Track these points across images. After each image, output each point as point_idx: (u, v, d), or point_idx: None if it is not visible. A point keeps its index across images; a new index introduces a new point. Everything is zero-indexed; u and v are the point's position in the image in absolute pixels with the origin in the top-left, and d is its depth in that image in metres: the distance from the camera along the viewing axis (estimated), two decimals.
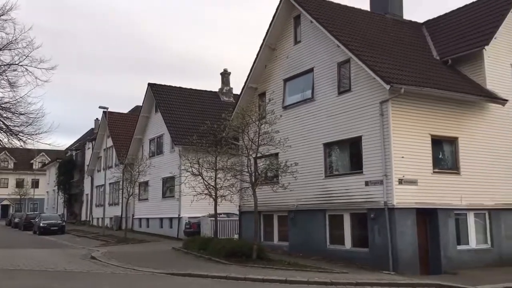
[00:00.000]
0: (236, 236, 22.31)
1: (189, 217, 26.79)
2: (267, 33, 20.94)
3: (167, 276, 13.33)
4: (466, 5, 21.29)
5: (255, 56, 21.60)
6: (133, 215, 34.74)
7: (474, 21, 19.61)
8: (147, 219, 32.90)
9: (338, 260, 16.21)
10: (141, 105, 33.67)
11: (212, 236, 20.55)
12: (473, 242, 16.67)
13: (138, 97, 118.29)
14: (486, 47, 17.62)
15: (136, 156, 33.01)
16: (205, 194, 19.05)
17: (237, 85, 36.90)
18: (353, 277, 13.10)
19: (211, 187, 18.96)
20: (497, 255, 16.78)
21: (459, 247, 16.18)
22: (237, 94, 27.65)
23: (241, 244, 17.08)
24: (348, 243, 16.72)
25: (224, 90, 34.87)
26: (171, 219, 29.52)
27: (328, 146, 18.07)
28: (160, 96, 31.93)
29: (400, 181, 15.20)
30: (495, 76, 17.96)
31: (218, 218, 20.86)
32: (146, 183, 32.40)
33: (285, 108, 20.18)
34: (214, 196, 19.00)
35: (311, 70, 19.05)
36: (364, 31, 19.21)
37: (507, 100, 17.55)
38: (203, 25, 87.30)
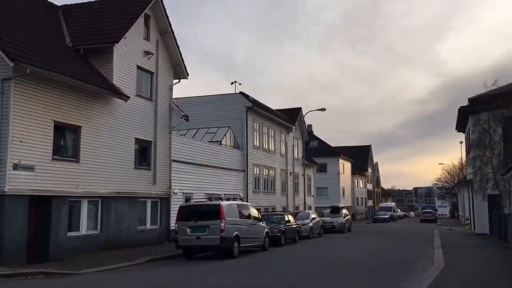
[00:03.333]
0: None
1: None
2: None
3: None
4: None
5: None
6: None
7: (111, 17, 20.50)
8: None
9: None
10: None
11: None
12: (84, 228, 17.32)
13: None
14: (116, 44, 18.73)
15: None
16: None
17: None
18: None
19: None
20: (105, 240, 18.01)
21: (70, 234, 16.50)
22: None
23: None
24: None
25: None
26: None
27: None
28: None
29: (16, 166, 14.34)
30: (122, 73, 19.31)
31: None
32: None
33: None
34: None
35: None
36: None
37: (129, 97, 19.13)
38: None
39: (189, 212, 17.22)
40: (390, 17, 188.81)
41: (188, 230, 16.57)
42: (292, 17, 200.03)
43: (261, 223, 19.77)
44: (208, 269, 13.96)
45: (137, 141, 20.27)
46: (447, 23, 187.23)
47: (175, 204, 21.37)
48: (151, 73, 21.38)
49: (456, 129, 35.29)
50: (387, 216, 61.16)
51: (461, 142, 43.70)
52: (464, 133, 34.92)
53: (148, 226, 20.95)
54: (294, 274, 12.73)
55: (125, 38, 19.21)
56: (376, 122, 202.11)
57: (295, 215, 27.52)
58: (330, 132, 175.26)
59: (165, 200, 21.98)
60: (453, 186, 67.94)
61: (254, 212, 19.55)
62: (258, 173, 32.24)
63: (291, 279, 11.72)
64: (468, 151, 31.34)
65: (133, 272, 13.39)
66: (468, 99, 27.68)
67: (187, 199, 22.96)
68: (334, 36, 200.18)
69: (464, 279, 11.32)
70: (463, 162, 49.64)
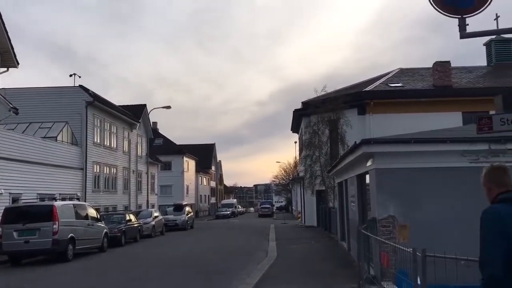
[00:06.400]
0: None
1: None
2: None
3: None
4: None
5: None
6: None
7: None
8: None
9: None
10: None
11: None
12: None
13: None
14: None
15: None
16: None
17: None
18: None
19: None
20: None
21: None
22: None
23: None
24: None
25: None
26: None
27: None
28: None
29: None
30: None
31: None
32: None
33: None
34: None
35: None
36: None
37: None
38: None
39: (17, 214, 15.76)
40: (237, 21, 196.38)
41: (14, 233, 15.11)
42: (139, 11, 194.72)
43: (99, 224, 18.94)
44: (33, 276, 12.86)
45: None
46: (286, 32, 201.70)
47: (0, 206, 19.25)
48: None
49: (291, 129, 38.29)
50: (228, 212, 63.36)
51: (295, 142, 47.48)
52: (298, 133, 38.03)
53: None
54: (130, 275, 12.48)
55: None
56: (222, 122, 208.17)
57: (137, 214, 26.96)
58: (176, 130, 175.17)
59: None
60: (288, 183, 73.42)
61: (92, 212, 18.65)
62: (98, 171, 30.72)
63: (124, 281, 11.47)
64: (301, 151, 34.21)
65: None
66: (302, 102, 30.24)
67: (15, 200, 20.87)
68: (182, 34, 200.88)
69: (292, 267, 12.41)
70: (296, 160, 53.95)
